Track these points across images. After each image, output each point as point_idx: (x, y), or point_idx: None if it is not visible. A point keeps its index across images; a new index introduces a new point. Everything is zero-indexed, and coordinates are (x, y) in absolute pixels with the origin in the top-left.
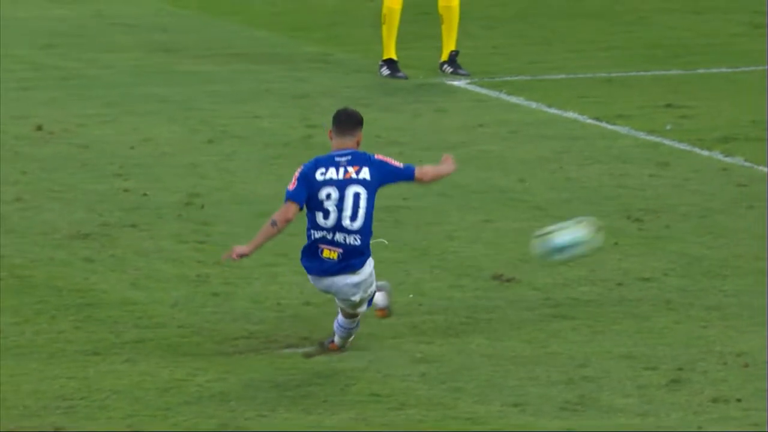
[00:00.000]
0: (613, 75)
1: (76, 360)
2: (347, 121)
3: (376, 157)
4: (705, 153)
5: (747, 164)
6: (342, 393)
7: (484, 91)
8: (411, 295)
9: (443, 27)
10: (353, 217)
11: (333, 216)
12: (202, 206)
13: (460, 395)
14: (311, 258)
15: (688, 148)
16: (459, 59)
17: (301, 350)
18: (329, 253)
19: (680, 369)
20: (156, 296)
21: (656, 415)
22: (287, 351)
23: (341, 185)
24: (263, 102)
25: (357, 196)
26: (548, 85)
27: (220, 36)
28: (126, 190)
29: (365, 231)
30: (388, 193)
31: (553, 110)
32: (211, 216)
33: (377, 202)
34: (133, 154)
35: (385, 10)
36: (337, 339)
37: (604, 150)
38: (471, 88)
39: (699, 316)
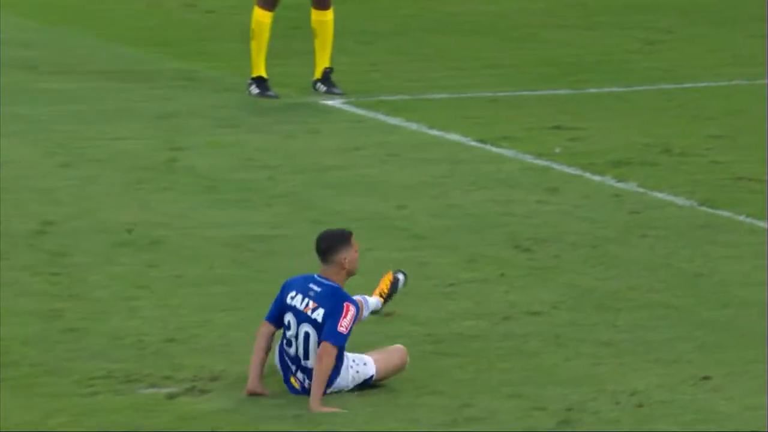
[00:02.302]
0: (499, 94)
1: None
2: (320, 249)
3: (344, 306)
4: (596, 178)
5: (640, 190)
6: None
7: (360, 111)
8: None
9: (316, 42)
10: (305, 356)
11: (293, 347)
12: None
13: None
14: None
15: (579, 172)
16: (334, 77)
17: (164, 390)
18: (293, 381)
19: (570, 409)
20: (6, 332)
21: None
22: (149, 391)
23: (298, 318)
24: (124, 122)
25: (307, 336)
26: (429, 105)
27: (79, 52)
28: None
29: None
30: (258, 220)
31: (434, 132)
32: (66, 246)
33: (247, 229)
34: None
35: (253, 25)
36: None
37: (490, 174)
38: (347, 107)
39: (590, 353)
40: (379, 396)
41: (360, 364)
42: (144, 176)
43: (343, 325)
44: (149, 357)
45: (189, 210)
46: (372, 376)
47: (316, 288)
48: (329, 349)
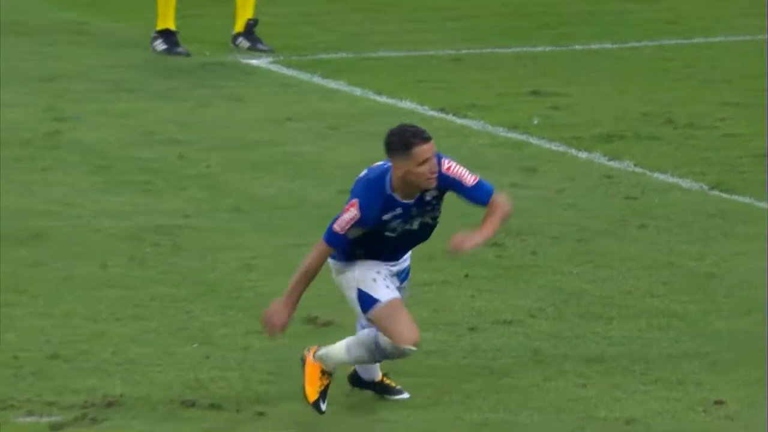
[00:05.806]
0: (463, 52)
1: None
2: (384, 143)
3: (348, 203)
4: (583, 155)
5: (637, 170)
6: None
7: (292, 72)
8: (195, 345)
9: None
10: None
11: None
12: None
13: None
14: None
15: (562, 148)
16: (258, 30)
17: (46, 419)
18: None
19: None
20: None
21: None
22: (28, 420)
23: None
24: None
25: None
26: (377, 66)
27: None
28: None
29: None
30: (163, 208)
31: (383, 99)
32: None
33: (150, 219)
34: None
35: None
36: (335, 359)
37: (452, 151)
38: (275, 68)
39: (576, 372)
40: (312, 425)
41: (383, 285)
42: (21, 153)
43: (338, 225)
44: (28, 378)
45: (77, 195)
46: (378, 301)
47: (369, 173)
48: (318, 243)
